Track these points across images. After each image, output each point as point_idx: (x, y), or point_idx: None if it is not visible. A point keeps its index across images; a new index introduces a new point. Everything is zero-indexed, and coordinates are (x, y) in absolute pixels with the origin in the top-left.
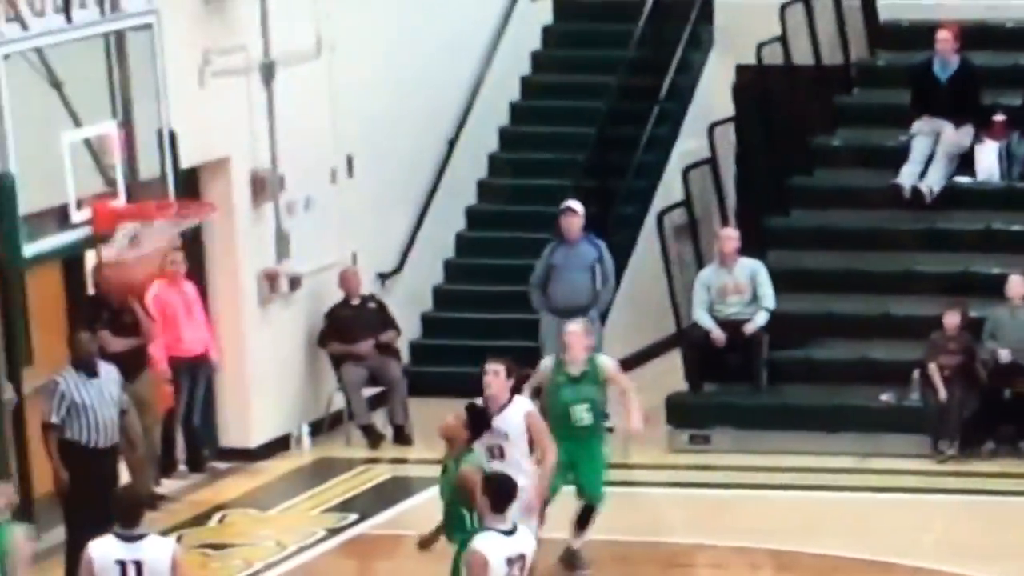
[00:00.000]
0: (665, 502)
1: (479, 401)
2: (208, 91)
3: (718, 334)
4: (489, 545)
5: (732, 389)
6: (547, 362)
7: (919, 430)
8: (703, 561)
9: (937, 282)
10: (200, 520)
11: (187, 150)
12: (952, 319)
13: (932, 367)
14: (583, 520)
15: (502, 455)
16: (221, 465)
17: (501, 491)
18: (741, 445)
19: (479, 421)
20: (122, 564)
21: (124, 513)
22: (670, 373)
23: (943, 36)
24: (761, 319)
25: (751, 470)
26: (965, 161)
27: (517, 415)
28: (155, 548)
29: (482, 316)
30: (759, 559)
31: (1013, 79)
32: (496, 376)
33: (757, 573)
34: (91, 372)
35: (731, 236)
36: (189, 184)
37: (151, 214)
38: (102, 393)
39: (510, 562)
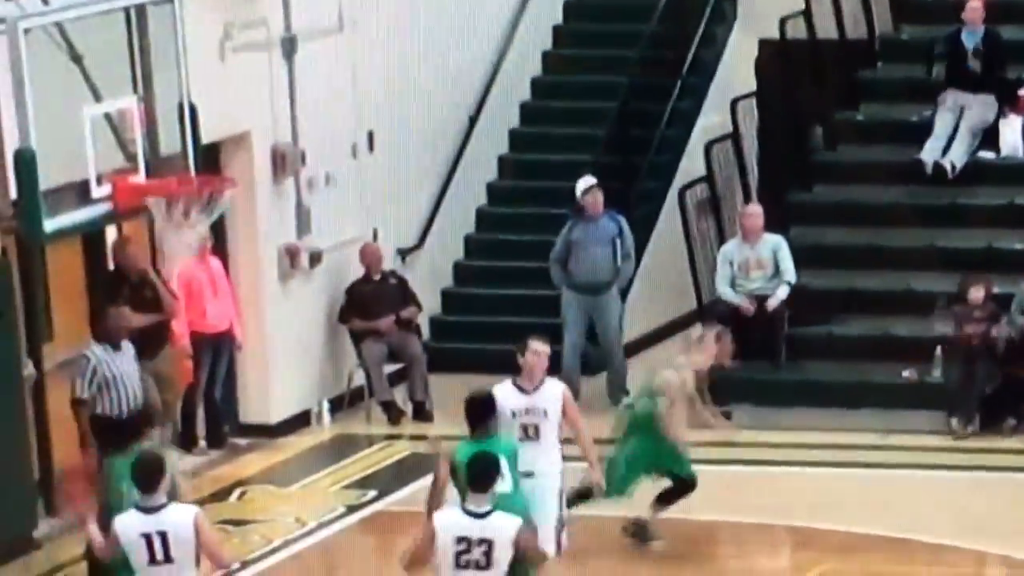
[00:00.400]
0: None
1: (506, 383)
2: (229, 66)
3: (747, 305)
4: (443, 520)
5: (753, 365)
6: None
7: (940, 407)
8: (724, 538)
9: (960, 258)
10: (220, 496)
11: (208, 125)
12: (977, 294)
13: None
14: (666, 498)
15: (537, 434)
16: (241, 441)
17: (481, 471)
18: (762, 421)
19: (485, 410)
20: (147, 537)
21: (141, 479)
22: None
23: (973, 5)
24: (783, 293)
25: (772, 447)
26: (989, 136)
27: (555, 392)
28: (177, 516)
29: (503, 292)
30: (779, 536)
31: None
32: (538, 356)
33: (777, 550)
34: (116, 346)
35: (755, 212)
36: (210, 159)
37: (172, 189)
38: (128, 366)
39: (463, 542)
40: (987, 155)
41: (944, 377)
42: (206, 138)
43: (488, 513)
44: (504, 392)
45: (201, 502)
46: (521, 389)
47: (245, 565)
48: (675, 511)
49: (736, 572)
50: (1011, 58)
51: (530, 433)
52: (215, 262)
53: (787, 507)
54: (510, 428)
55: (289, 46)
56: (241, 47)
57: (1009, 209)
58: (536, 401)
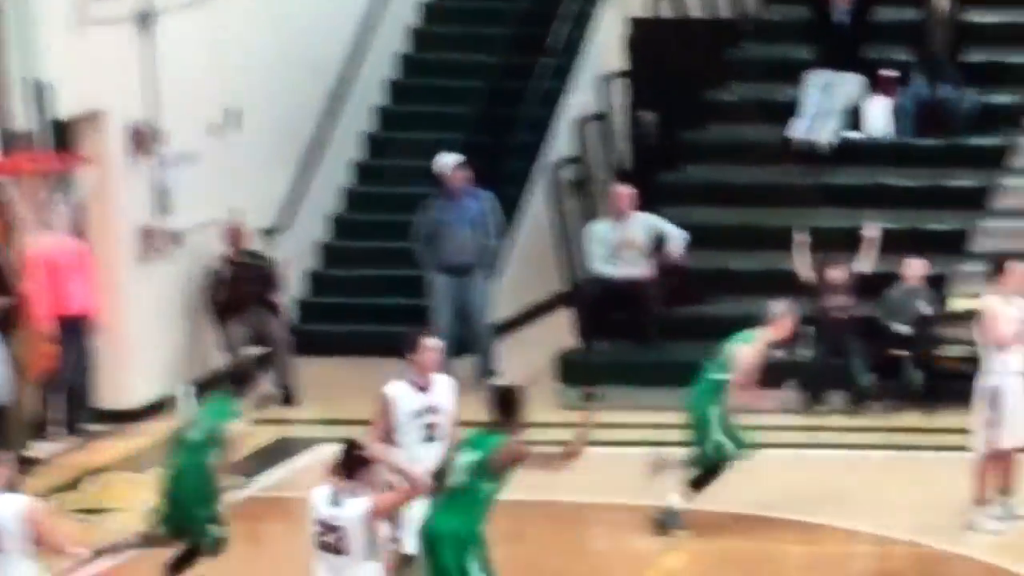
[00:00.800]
0: None
1: (399, 383)
2: (84, 40)
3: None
4: (312, 498)
5: (623, 346)
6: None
7: (809, 385)
8: (596, 519)
9: (829, 237)
10: (76, 484)
11: (62, 102)
12: (838, 274)
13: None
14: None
15: (438, 434)
16: (99, 428)
17: (344, 458)
18: (633, 402)
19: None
20: None
21: None
22: (561, 330)
23: None
24: (679, 245)
25: (642, 427)
26: (856, 116)
27: (449, 387)
28: (5, 507)
29: (372, 273)
30: (651, 516)
31: (903, 34)
32: (434, 352)
33: (648, 530)
34: None
35: (625, 192)
36: (64, 137)
37: (23, 168)
38: None
39: (321, 525)
40: (854, 135)
41: (813, 355)
42: (60, 115)
43: (345, 500)
44: (401, 392)
45: (56, 491)
46: (418, 387)
47: (102, 555)
48: (543, 493)
49: (607, 552)
50: (877, 38)
51: (432, 433)
52: (79, 244)
53: (658, 487)
54: (409, 429)
55: (146, 21)
56: (96, 21)
57: (876, 189)
58: (435, 399)
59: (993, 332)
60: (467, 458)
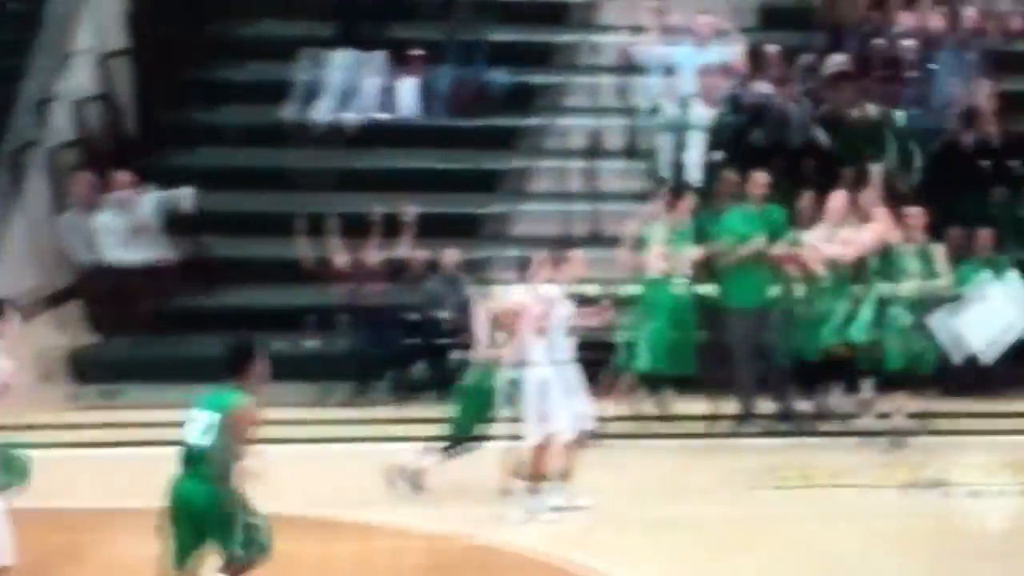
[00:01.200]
0: (71, 464)
1: None
2: None
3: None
4: None
5: (142, 339)
6: None
7: (352, 375)
8: (115, 524)
9: (356, 224)
10: None
11: None
12: (373, 260)
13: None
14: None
15: None
16: None
17: None
18: (154, 400)
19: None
20: None
21: None
22: (72, 323)
23: None
24: (191, 197)
25: (163, 426)
26: (384, 97)
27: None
28: None
29: None
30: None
31: (431, 12)
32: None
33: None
34: None
35: (125, 177)
36: None
37: None
38: None
39: None
40: (381, 116)
41: (353, 345)
42: None
43: None
44: None
45: None
46: None
47: None
48: (56, 499)
49: (113, 560)
50: (404, 17)
51: None
52: None
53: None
54: None
55: None
56: None
57: (406, 172)
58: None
59: (534, 321)
60: (204, 419)
